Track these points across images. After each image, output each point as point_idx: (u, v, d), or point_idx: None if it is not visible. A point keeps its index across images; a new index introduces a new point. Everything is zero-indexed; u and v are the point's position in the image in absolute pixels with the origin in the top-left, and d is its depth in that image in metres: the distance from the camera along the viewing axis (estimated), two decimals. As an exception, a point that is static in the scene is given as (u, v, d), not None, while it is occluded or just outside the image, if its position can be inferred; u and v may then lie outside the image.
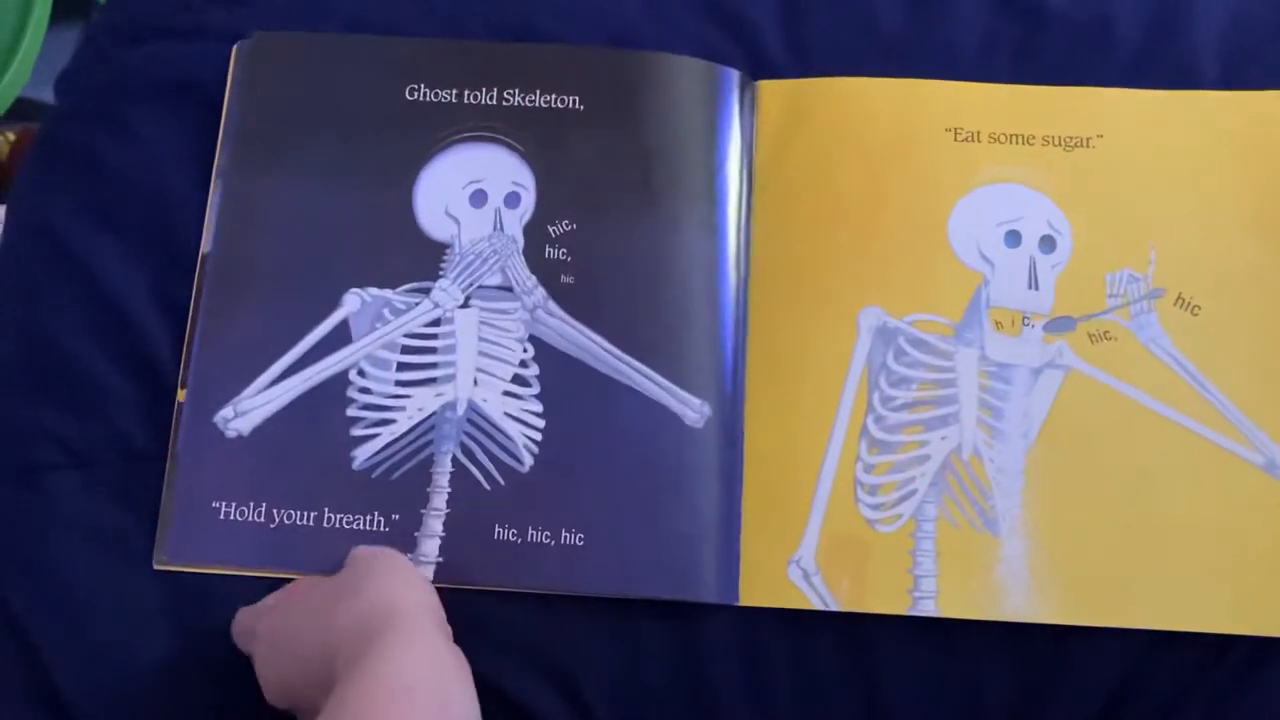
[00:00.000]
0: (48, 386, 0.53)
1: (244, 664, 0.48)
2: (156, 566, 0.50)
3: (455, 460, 0.51)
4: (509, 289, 0.54)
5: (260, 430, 0.52)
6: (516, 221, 0.55)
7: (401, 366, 0.53)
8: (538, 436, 0.52)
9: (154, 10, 0.61)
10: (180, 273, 0.54)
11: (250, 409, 0.52)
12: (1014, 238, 0.54)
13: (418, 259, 0.54)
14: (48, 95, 0.63)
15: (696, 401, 0.52)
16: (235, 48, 0.58)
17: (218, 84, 0.57)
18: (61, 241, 0.55)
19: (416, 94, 0.57)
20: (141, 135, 0.57)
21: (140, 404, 0.53)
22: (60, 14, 0.92)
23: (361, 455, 0.51)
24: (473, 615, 0.50)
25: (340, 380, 0.52)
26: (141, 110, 0.58)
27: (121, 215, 0.56)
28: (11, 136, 0.80)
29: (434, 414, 0.52)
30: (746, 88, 0.57)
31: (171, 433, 0.52)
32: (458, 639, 0.48)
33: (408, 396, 0.52)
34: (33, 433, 0.52)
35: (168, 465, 0.51)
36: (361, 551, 0.49)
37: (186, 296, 0.54)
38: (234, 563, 0.50)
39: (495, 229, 0.55)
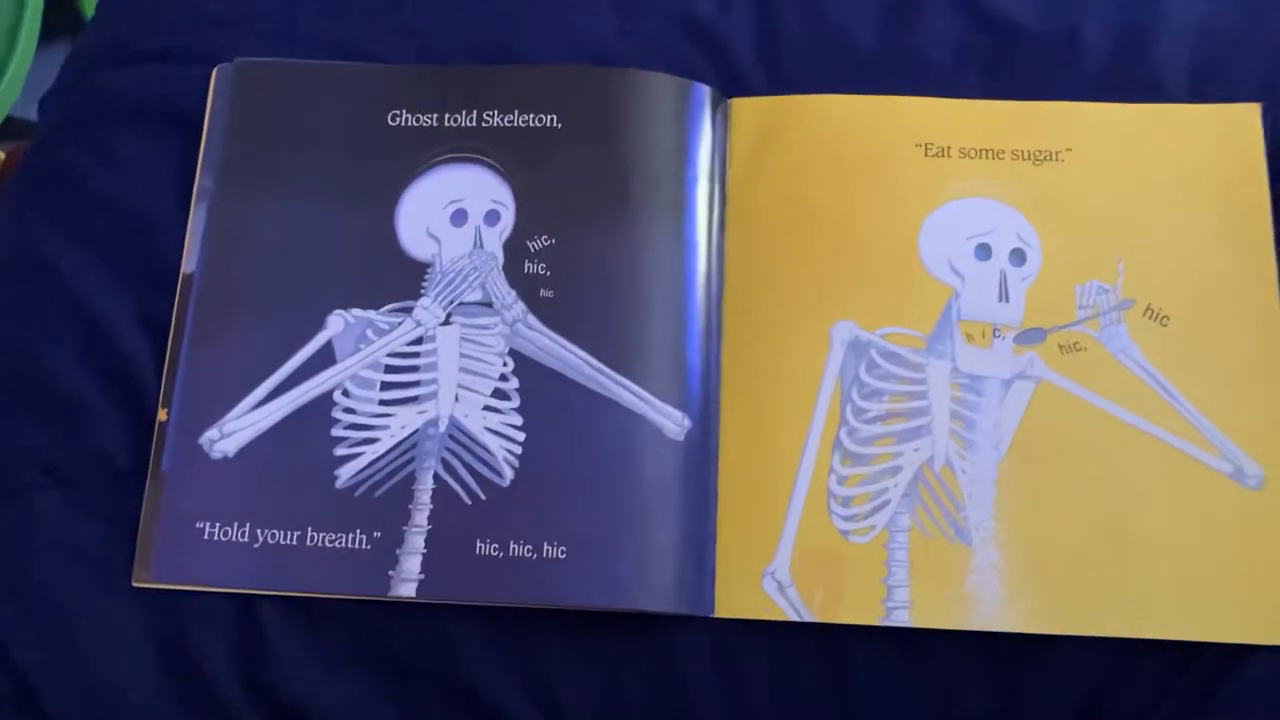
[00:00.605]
0: (31, 406, 0.54)
1: (219, 681, 0.49)
2: (136, 584, 0.51)
3: (437, 476, 0.52)
4: (489, 304, 0.54)
5: (245, 451, 0.52)
6: (496, 238, 0.55)
7: (385, 386, 0.53)
8: (518, 450, 0.52)
9: (135, 33, 0.62)
10: (163, 293, 0.55)
11: (236, 430, 0.53)
12: (984, 251, 0.55)
13: (400, 279, 0.55)
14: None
15: (677, 414, 0.52)
16: (215, 71, 0.58)
17: (199, 107, 0.58)
18: (44, 261, 0.56)
19: (398, 119, 0.57)
20: (123, 157, 0.58)
21: (123, 424, 0.53)
22: (50, 33, 0.93)
23: (344, 474, 0.52)
24: (454, 630, 0.51)
25: (325, 401, 0.53)
26: (123, 132, 0.58)
27: (103, 236, 0.56)
28: (1, 155, 0.80)
29: (416, 431, 0.53)
30: (719, 105, 0.58)
31: (153, 452, 0.53)
32: (439, 657, 0.48)
33: (391, 415, 0.53)
34: (15, 452, 0.53)
35: (149, 485, 0.52)
36: None
37: (169, 317, 0.55)
38: (216, 582, 0.51)
39: (475, 246, 0.55)
